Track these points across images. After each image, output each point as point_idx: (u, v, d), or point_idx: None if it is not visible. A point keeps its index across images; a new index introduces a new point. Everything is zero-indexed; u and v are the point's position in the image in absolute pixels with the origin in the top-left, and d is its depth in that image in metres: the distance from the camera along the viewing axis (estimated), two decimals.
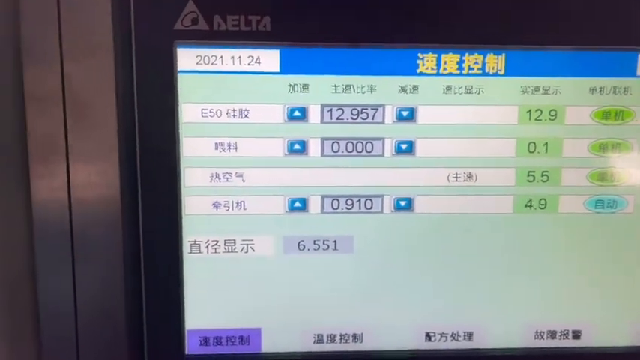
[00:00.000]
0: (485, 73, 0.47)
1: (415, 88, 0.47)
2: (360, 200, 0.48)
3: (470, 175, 0.48)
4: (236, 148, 0.47)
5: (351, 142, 0.47)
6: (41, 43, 0.44)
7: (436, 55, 0.47)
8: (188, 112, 0.46)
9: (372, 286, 0.49)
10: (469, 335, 0.51)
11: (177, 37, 0.45)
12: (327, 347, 0.50)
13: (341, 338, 0.50)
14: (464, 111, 0.48)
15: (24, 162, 0.46)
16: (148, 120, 0.46)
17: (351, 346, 0.50)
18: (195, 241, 0.48)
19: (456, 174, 0.48)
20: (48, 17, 0.44)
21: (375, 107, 0.47)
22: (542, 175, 0.49)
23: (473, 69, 0.47)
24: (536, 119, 0.48)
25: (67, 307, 0.47)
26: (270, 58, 0.46)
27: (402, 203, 0.48)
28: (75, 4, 0.44)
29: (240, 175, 0.47)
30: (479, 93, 0.47)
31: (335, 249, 0.49)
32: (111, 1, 0.44)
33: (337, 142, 0.47)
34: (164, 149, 0.46)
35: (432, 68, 0.47)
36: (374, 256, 0.49)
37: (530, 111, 0.48)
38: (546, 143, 0.48)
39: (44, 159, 0.46)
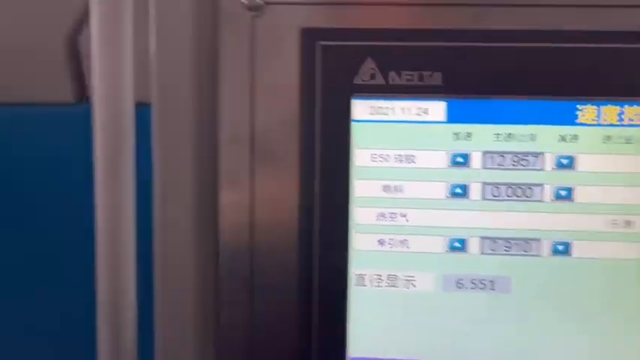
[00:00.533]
0: None
1: (575, 137, 0.49)
2: (518, 243, 0.51)
3: (628, 222, 0.50)
4: (402, 190, 0.51)
5: (511, 187, 0.50)
6: (234, 92, 0.51)
7: (596, 107, 0.49)
8: (360, 156, 0.51)
9: (528, 327, 0.51)
10: None
11: (355, 91, 0.50)
12: None
13: None
14: (623, 160, 0.49)
15: (215, 197, 0.52)
16: (326, 163, 0.51)
17: None
18: (361, 274, 0.52)
19: (615, 220, 0.50)
20: (242, 71, 0.51)
21: (536, 155, 0.50)
22: None
23: (633, 120, 0.49)
24: None
25: (244, 331, 0.53)
26: (437, 108, 0.50)
27: (560, 247, 0.50)
28: (268, 63, 0.50)
29: (405, 215, 0.51)
30: (639, 143, 0.49)
31: (492, 289, 0.51)
32: (300, 59, 0.50)
33: (497, 187, 0.50)
34: (338, 190, 0.51)
35: (593, 119, 0.49)
36: (531, 298, 0.51)
37: None
38: None
39: (231, 194, 0.52)
